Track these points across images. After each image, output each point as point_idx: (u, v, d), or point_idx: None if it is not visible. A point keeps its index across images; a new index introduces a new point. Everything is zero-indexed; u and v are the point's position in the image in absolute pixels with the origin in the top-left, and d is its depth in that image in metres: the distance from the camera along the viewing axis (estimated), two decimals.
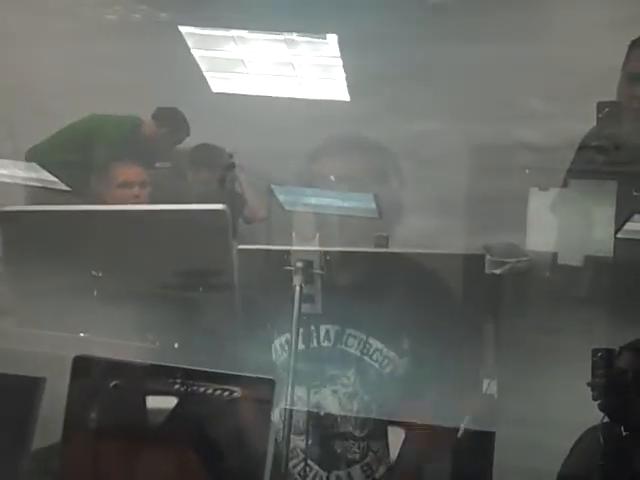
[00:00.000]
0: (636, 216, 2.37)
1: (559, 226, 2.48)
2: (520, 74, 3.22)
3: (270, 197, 2.67)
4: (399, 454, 2.06)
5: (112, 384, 1.93)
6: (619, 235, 2.36)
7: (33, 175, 3.29)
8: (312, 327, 2.03)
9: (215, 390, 1.92)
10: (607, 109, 2.25)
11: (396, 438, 2.08)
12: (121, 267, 2.10)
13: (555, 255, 2.46)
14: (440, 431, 1.98)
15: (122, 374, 1.96)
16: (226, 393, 1.92)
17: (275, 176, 2.77)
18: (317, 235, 2.06)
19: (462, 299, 2.03)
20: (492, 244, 2.54)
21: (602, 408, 2.09)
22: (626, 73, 2.46)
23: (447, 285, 2.03)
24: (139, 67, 3.64)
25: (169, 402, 1.94)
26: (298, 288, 1.93)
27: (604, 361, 2.12)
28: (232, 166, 3.31)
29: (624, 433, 2.08)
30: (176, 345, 2.30)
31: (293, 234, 2.09)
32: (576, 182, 2.45)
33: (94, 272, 2.14)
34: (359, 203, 2.15)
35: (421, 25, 3.34)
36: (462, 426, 1.97)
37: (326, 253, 1.98)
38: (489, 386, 2.34)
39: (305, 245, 2.05)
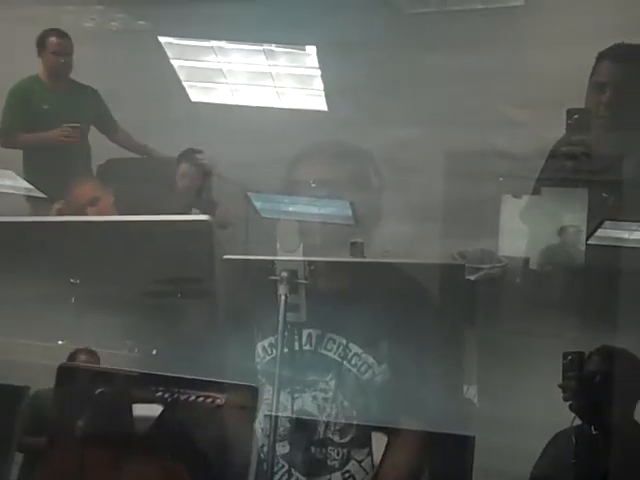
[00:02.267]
0: (607, 223, 2.41)
1: (531, 232, 2.52)
2: (495, 82, 3.26)
3: (247, 204, 2.69)
4: (381, 460, 2.06)
5: (97, 392, 1.94)
6: (590, 241, 2.40)
7: (8, 183, 3.31)
8: (295, 331, 2.04)
9: (198, 397, 1.93)
10: (576, 116, 2.29)
11: (379, 444, 2.08)
12: (106, 276, 2.12)
13: (527, 261, 2.50)
14: (422, 436, 1.99)
15: (107, 382, 1.97)
16: (209, 400, 1.93)
17: (252, 184, 2.79)
18: (301, 246, 2.08)
19: (443, 307, 2.05)
20: (467, 250, 2.57)
21: (573, 409, 2.13)
22: (593, 82, 2.52)
23: (429, 294, 2.05)
24: (117, 75, 3.65)
25: (154, 410, 1.95)
26: (283, 298, 1.96)
27: (574, 364, 2.16)
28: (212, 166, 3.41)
29: (594, 432, 2.13)
30: (154, 352, 2.31)
31: (277, 245, 2.10)
32: (548, 190, 2.49)
33: (72, 280, 2.16)
34: (335, 210, 2.17)
35: (398, 34, 3.37)
36: None
37: (310, 263, 2.01)
38: (468, 391, 2.37)
39: (289, 255, 2.07)
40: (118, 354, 2.46)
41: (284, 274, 1.97)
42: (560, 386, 2.15)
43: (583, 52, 2.77)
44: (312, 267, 2.00)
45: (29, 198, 3.45)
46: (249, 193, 2.61)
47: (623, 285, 2.25)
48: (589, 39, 2.97)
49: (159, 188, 3.51)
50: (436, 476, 1.96)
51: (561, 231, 2.45)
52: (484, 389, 2.43)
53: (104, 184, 3.43)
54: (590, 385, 2.14)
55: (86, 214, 3.20)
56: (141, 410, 1.97)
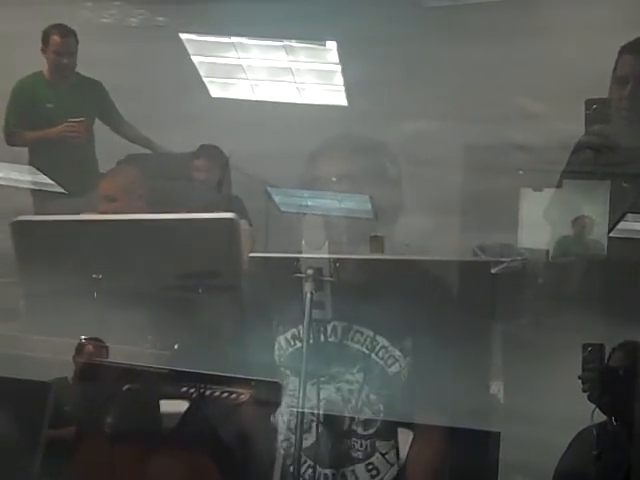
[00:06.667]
0: (629, 215, 2.40)
1: (552, 226, 2.51)
2: (515, 74, 3.25)
3: (267, 199, 2.70)
4: (407, 455, 2.06)
5: (125, 388, 1.97)
6: (612, 234, 2.40)
7: (29, 178, 3.33)
8: (320, 323, 2.04)
9: (223, 393, 1.95)
10: (595, 106, 2.28)
11: (405, 439, 2.09)
12: (131, 273, 2.16)
13: (548, 253, 2.50)
14: (447, 431, 2.00)
15: (134, 379, 2.00)
16: (234, 396, 1.95)
17: (272, 179, 2.80)
18: (326, 243, 2.07)
19: (468, 303, 2.06)
20: (487, 244, 2.57)
21: (592, 399, 2.14)
22: (615, 75, 2.52)
23: (454, 290, 2.07)
24: (138, 72, 3.67)
25: (180, 405, 1.97)
26: (309, 295, 1.97)
27: (593, 355, 2.17)
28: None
29: (615, 424, 2.14)
30: (176, 346, 2.33)
31: (303, 242, 2.10)
32: (570, 182, 2.48)
33: (95, 275, 2.18)
34: (355, 204, 2.17)
35: (416, 27, 3.37)
36: None
37: (336, 260, 2.02)
38: (493, 387, 2.38)
39: (314, 252, 2.07)
40: (137, 349, 2.47)
41: (310, 271, 1.98)
42: (580, 377, 2.16)
43: (603, 44, 2.76)
44: (337, 264, 2.01)
45: (34, 192, 3.43)
46: (269, 188, 2.62)
47: None
48: (610, 31, 2.95)
49: (180, 183, 3.53)
50: (462, 472, 1.96)
51: (574, 222, 2.45)
52: (509, 383, 2.43)
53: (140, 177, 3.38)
54: (611, 378, 2.15)
55: (121, 207, 3.17)
56: (167, 406, 1.99)
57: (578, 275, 2.49)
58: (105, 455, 1.94)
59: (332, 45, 3.70)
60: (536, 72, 3.16)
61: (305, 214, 2.18)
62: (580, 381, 2.18)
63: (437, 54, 3.34)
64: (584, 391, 2.16)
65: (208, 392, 2.01)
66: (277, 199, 2.56)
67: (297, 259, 2.02)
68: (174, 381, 2.06)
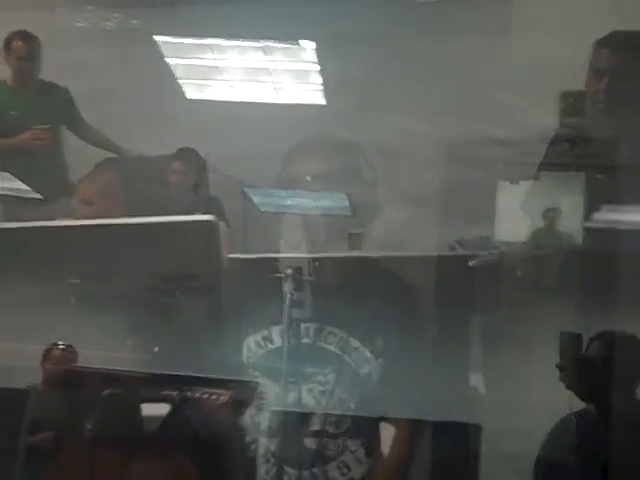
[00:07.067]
0: (604, 206, 2.42)
1: (529, 218, 2.53)
2: (491, 68, 3.26)
3: (245, 200, 2.70)
4: (390, 449, 2.07)
5: (107, 393, 1.96)
6: (587, 225, 2.41)
7: (4, 185, 3.31)
8: (294, 324, 2.03)
9: (203, 394, 1.95)
10: (570, 99, 2.30)
11: (386, 435, 2.09)
12: (110, 278, 2.15)
13: (525, 246, 2.52)
14: (429, 425, 2.01)
15: (114, 383, 1.99)
16: (213, 397, 1.95)
17: (250, 179, 2.80)
18: (304, 242, 2.08)
19: (447, 297, 2.07)
20: (464, 238, 2.58)
21: (570, 388, 2.16)
22: (591, 70, 2.54)
23: (433, 284, 2.09)
24: (111, 74, 3.66)
25: (161, 408, 1.97)
26: (289, 295, 1.97)
27: (570, 343, 2.19)
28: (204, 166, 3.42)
29: (594, 411, 2.16)
30: (156, 349, 2.33)
31: (281, 241, 2.11)
32: (546, 175, 2.50)
33: (72, 280, 2.18)
34: (332, 202, 2.18)
35: (391, 23, 3.37)
36: None
37: (315, 259, 2.02)
38: (472, 379, 2.39)
39: (293, 251, 2.07)
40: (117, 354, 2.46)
41: (289, 271, 1.98)
42: (557, 366, 2.18)
43: (583, 40, 2.77)
44: (317, 263, 2.01)
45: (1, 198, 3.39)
46: (246, 188, 2.62)
47: (621, 268, 2.25)
48: (587, 26, 2.97)
49: (158, 186, 3.52)
50: (444, 464, 1.98)
51: (545, 214, 2.48)
52: (487, 376, 2.44)
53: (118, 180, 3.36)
54: (588, 367, 2.17)
55: (99, 210, 3.15)
56: (148, 409, 1.99)
57: (554, 267, 2.51)
58: (86, 461, 1.94)
59: (311, 45, 3.70)
60: (513, 65, 3.17)
61: (284, 214, 2.18)
62: (557, 369, 2.20)
63: (414, 47, 3.34)
64: (561, 379, 2.18)
65: (188, 394, 2.01)
66: (256, 199, 2.56)
67: (276, 259, 2.03)
68: (154, 384, 2.06)
